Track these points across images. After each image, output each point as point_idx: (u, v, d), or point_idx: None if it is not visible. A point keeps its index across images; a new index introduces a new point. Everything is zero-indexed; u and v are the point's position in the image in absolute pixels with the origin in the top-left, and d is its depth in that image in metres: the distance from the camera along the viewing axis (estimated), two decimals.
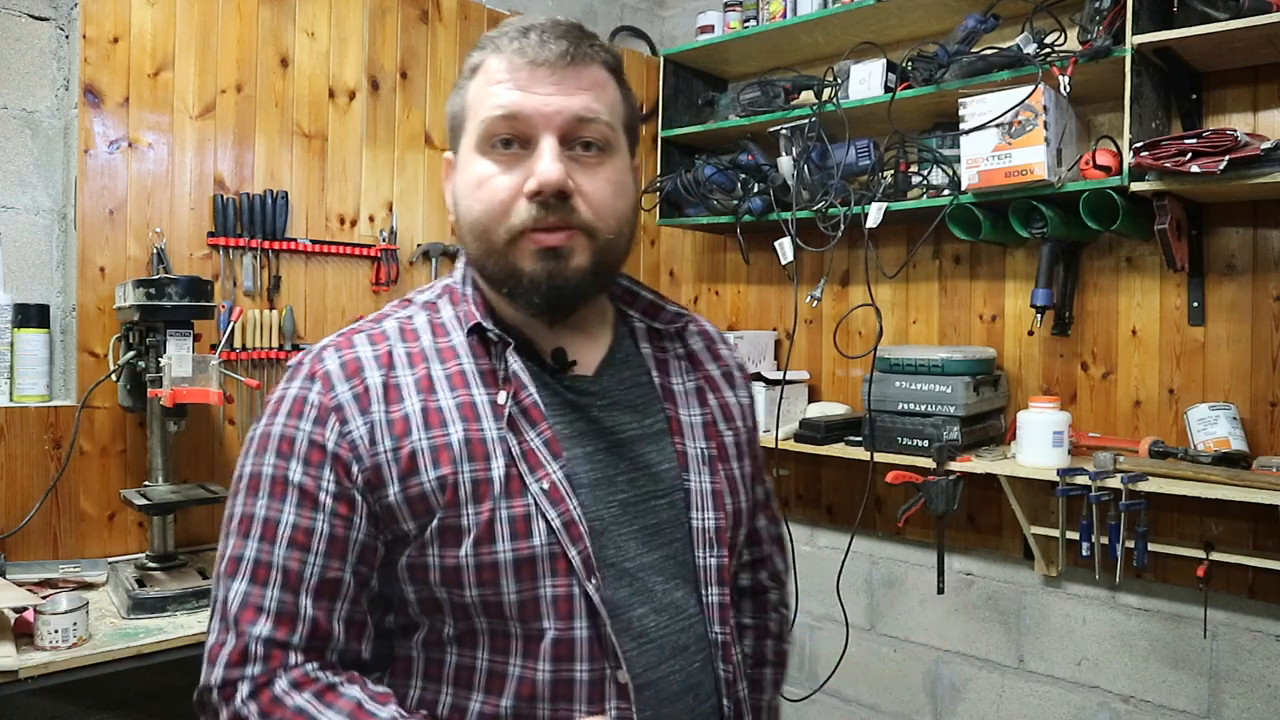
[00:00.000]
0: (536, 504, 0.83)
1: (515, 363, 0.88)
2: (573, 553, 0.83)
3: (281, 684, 0.80)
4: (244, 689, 0.79)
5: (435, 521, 0.82)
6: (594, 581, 0.83)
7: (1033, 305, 2.28)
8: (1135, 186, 2.00)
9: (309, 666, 0.81)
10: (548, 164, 0.82)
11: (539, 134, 0.84)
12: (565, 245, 0.84)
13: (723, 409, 1.02)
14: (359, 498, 0.83)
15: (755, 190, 2.73)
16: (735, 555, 1.00)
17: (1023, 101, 2.13)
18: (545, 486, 0.84)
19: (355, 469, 0.83)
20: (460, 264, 0.96)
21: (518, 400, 0.86)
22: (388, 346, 0.89)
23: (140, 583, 1.85)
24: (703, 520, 0.93)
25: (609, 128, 0.86)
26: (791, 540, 1.87)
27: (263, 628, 0.80)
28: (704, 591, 0.92)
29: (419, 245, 2.67)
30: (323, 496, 0.83)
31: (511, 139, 0.85)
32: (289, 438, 0.85)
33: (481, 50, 0.88)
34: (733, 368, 1.07)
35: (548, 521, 0.83)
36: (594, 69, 0.86)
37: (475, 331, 0.89)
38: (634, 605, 0.87)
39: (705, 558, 0.93)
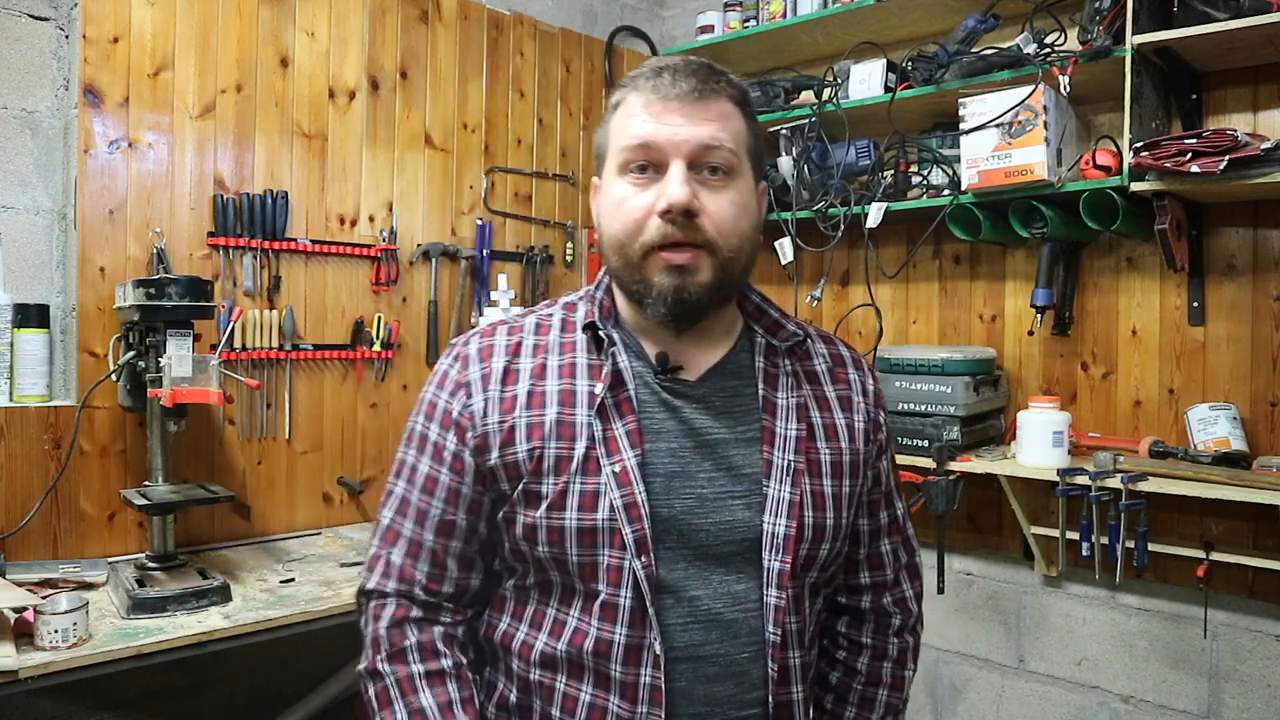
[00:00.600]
0: (606, 484, 0.96)
1: (621, 360, 1.01)
2: (627, 530, 0.95)
3: (410, 640, 1.00)
4: (386, 615, 1.01)
5: (522, 485, 0.98)
6: (644, 559, 0.94)
7: (1033, 305, 2.28)
8: (1135, 186, 2.00)
9: (436, 620, 1.02)
10: (675, 186, 0.94)
11: (669, 160, 0.95)
12: (690, 263, 0.95)
13: (826, 428, 1.06)
14: (469, 459, 1.01)
15: None
16: (817, 565, 1.03)
17: (1023, 101, 2.13)
18: (617, 470, 0.96)
19: (469, 435, 1.01)
20: (600, 271, 1.10)
21: (614, 394, 0.99)
22: (520, 338, 1.05)
23: (140, 583, 1.85)
24: (773, 525, 0.99)
25: (732, 154, 0.97)
26: None
27: (399, 551, 1.03)
28: (765, 591, 0.98)
29: (419, 245, 2.67)
30: (446, 454, 1.02)
31: (646, 165, 0.97)
32: (433, 404, 1.05)
33: (623, 89, 1.02)
34: (854, 392, 1.10)
35: (611, 501, 0.95)
36: (720, 102, 0.98)
37: (588, 329, 1.02)
38: (690, 587, 0.97)
39: (770, 560, 0.98)
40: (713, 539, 0.98)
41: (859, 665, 1.16)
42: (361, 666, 1.03)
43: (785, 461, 1.01)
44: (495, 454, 0.99)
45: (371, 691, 1.01)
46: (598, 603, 0.96)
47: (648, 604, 0.94)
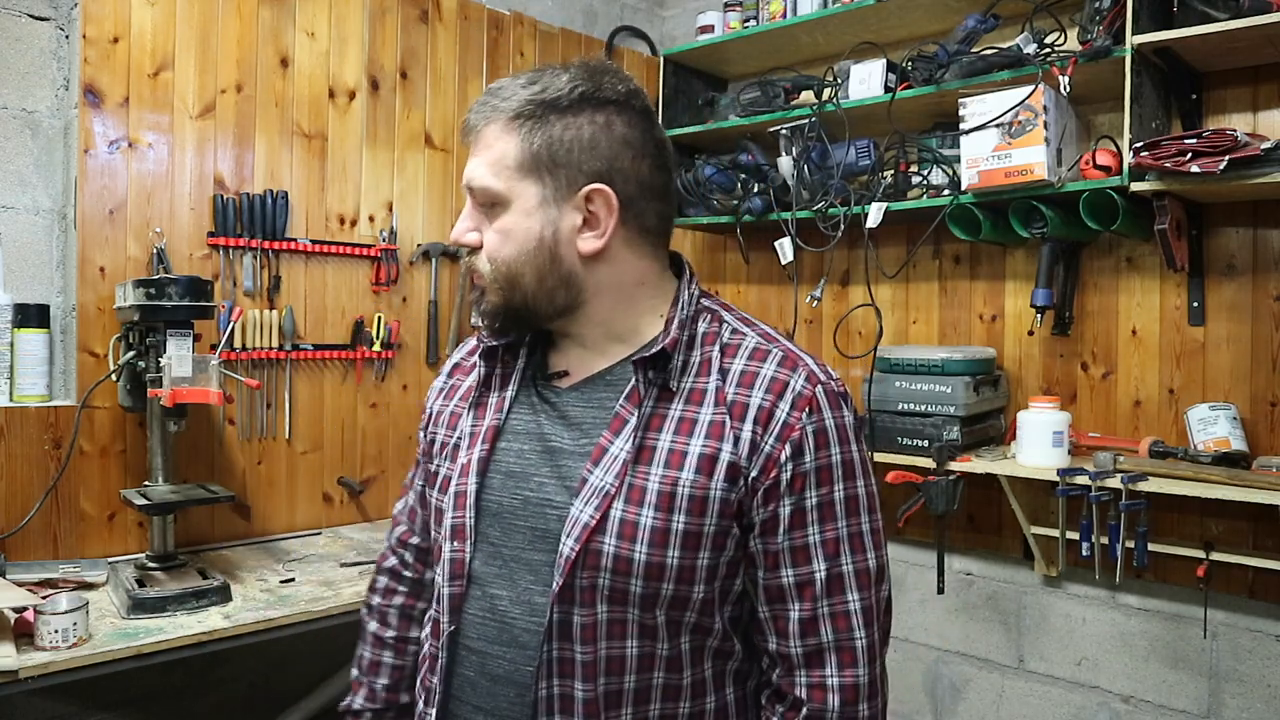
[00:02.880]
0: (456, 473, 1.05)
1: (519, 363, 1.08)
2: (448, 516, 1.04)
3: (383, 582, 1.24)
4: (382, 561, 1.26)
5: (431, 464, 1.12)
6: (455, 544, 1.02)
7: (1033, 305, 2.28)
8: (1135, 186, 2.00)
9: (407, 559, 1.23)
10: (458, 224, 1.02)
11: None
12: (481, 284, 1.02)
13: (670, 453, 0.94)
14: (420, 435, 1.18)
15: (755, 190, 2.72)
16: (642, 604, 0.92)
17: (1023, 101, 2.12)
18: (464, 461, 1.05)
19: (424, 415, 1.18)
20: None
21: (480, 392, 1.08)
22: (476, 345, 1.14)
23: (140, 583, 1.85)
24: (564, 544, 0.94)
25: (485, 191, 0.98)
26: None
27: (397, 505, 1.28)
28: (551, 606, 0.94)
29: (419, 245, 2.67)
30: (422, 436, 1.18)
31: None
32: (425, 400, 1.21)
33: None
34: (742, 420, 0.94)
35: (454, 488, 1.04)
36: (488, 131, 0.98)
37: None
38: (495, 584, 1.00)
39: (557, 578, 0.93)
40: (526, 543, 0.98)
41: None
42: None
43: (600, 483, 0.94)
44: (424, 433, 1.17)
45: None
46: (431, 578, 1.13)
47: (444, 586, 1.02)
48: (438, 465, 1.09)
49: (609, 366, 1.02)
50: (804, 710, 0.94)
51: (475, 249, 1.01)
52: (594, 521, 0.92)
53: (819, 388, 0.95)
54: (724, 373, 0.97)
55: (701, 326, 1.01)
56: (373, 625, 1.23)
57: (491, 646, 0.99)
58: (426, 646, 1.09)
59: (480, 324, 1.06)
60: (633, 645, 0.94)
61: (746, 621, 1.01)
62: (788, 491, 0.93)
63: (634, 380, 0.98)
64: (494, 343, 1.08)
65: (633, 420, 0.96)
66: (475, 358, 1.12)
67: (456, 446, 1.07)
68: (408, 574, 1.22)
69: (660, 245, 1.03)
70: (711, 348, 0.99)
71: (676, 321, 0.99)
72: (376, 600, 1.23)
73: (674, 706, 0.95)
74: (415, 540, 1.22)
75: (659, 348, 0.96)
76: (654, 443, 0.95)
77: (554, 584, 0.93)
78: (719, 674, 0.99)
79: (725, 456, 0.93)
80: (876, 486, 0.99)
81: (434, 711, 1.03)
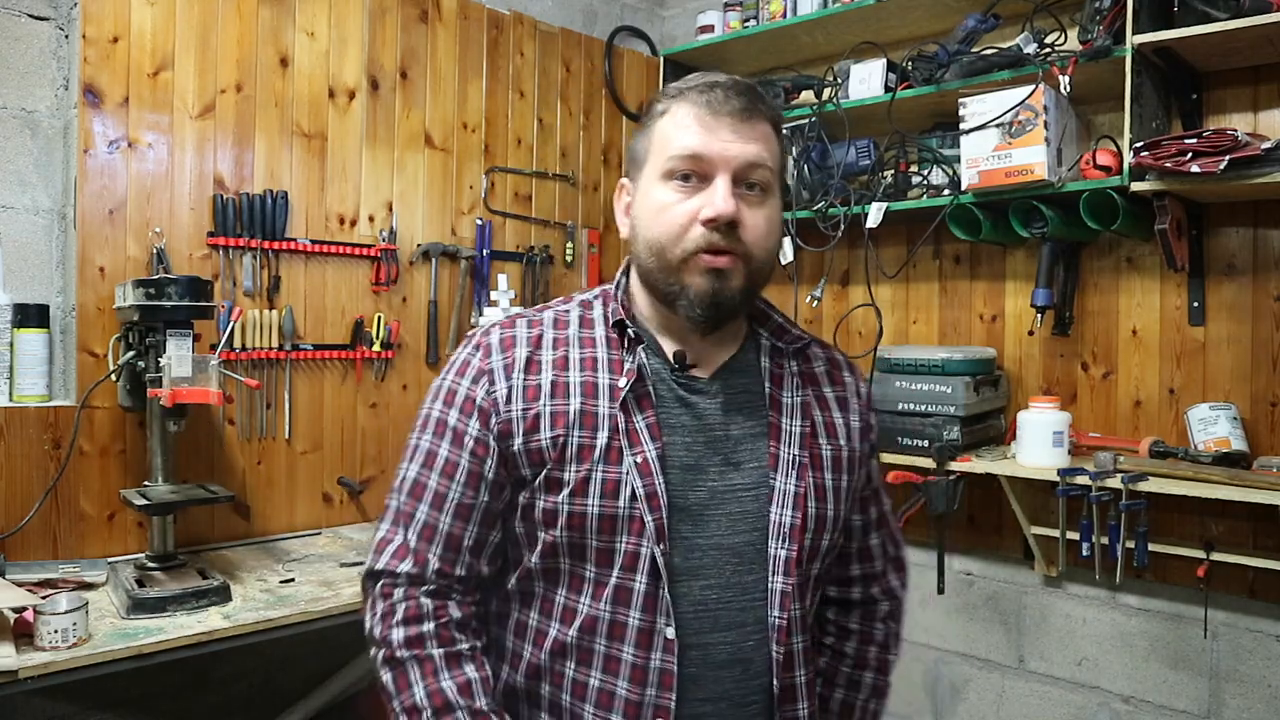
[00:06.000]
0: (629, 473, 1.00)
1: (643, 357, 1.06)
2: (648, 518, 0.99)
3: (427, 625, 1.01)
4: (397, 596, 1.02)
5: (545, 471, 1.01)
6: (662, 546, 0.99)
7: (1033, 305, 2.28)
8: (1135, 186, 2.00)
9: (448, 601, 1.03)
10: (723, 198, 0.99)
11: (717, 172, 1.00)
12: (728, 267, 1.00)
13: (827, 426, 1.11)
14: (493, 443, 1.04)
15: None
16: (819, 556, 1.08)
17: (1023, 101, 2.13)
18: (638, 460, 1.00)
19: (493, 420, 1.04)
20: (618, 273, 1.14)
21: (635, 388, 1.03)
22: (540, 330, 1.09)
23: (140, 583, 1.85)
24: (780, 516, 1.04)
25: (770, 173, 1.03)
26: None
27: (414, 533, 1.04)
28: (770, 579, 1.03)
29: (419, 245, 2.67)
30: (468, 439, 1.04)
31: (691, 174, 1.01)
32: (453, 390, 1.07)
33: (670, 99, 1.05)
34: (849, 394, 1.16)
35: (633, 489, 0.99)
36: (763, 124, 1.03)
37: (618, 327, 1.07)
38: (701, 576, 1.01)
39: (776, 549, 1.03)
40: (723, 530, 1.02)
41: (846, 649, 1.21)
42: (376, 653, 1.03)
43: (791, 456, 1.06)
44: (519, 440, 1.02)
45: (389, 676, 1.01)
46: (609, 588, 0.99)
47: (663, 589, 0.98)
48: (571, 471, 1.00)
49: (733, 356, 1.10)
50: (883, 606, 1.22)
51: (735, 226, 1.00)
52: (802, 489, 1.05)
53: (855, 364, 1.23)
54: (820, 358, 1.17)
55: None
56: (448, 679, 1.00)
57: (709, 636, 1.01)
58: (588, 673, 1.00)
59: (695, 311, 1.01)
60: (810, 598, 1.09)
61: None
62: (874, 448, 1.20)
63: (767, 366, 1.11)
64: (635, 328, 1.07)
65: (787, 400, 1.09)
66: (575, 349, 1.06)
67: (609, 446, 1.01)
68: (457, 605, 1.05)
69: None
70: (801, 335, 1.15)
71: (780, 315, 1.14)
72: (437, 650, 1.01)
73: (810, 641, 1.10)
74: (459, 571, 1.05)
75: (804, 340, 1.14)
76: (813, 417, 1.10)
77: (781, 555, 1.02)
78: (814, 626, 1.18)
79: (856, 424, 1.15)
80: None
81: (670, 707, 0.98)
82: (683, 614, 1.00)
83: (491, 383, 1.05)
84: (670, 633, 0.98)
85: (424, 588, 1.02)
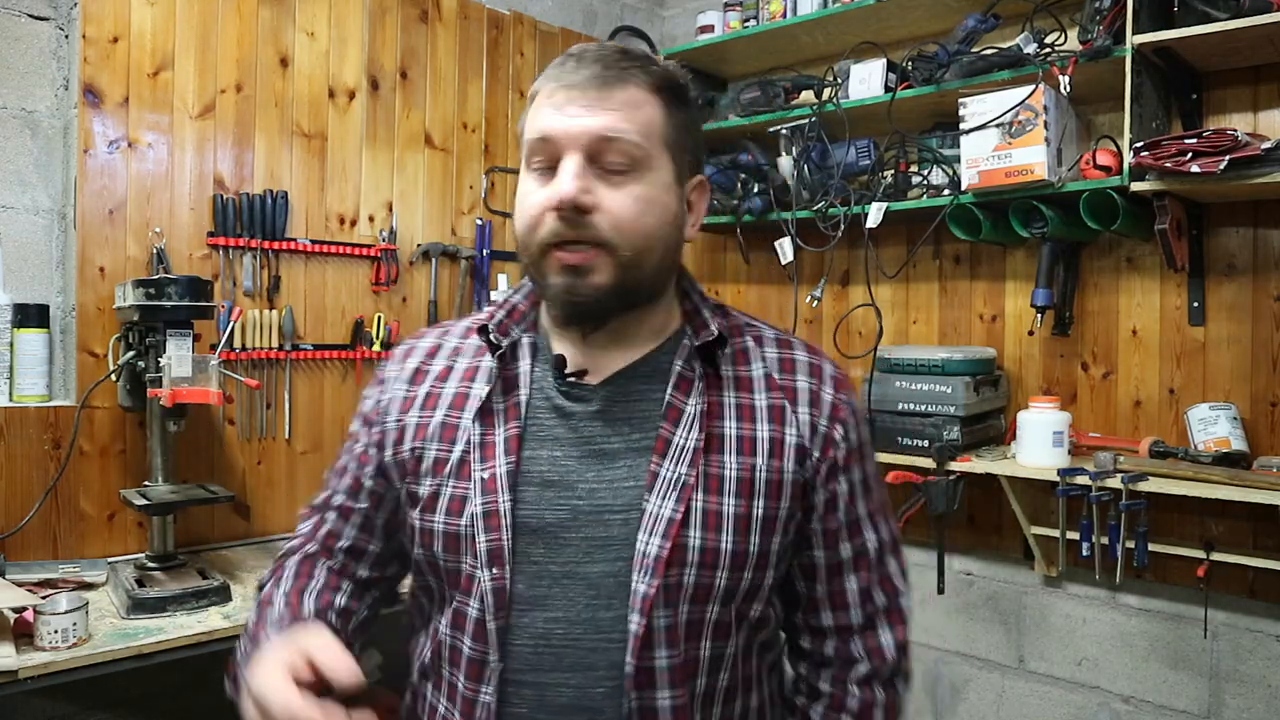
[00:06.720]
0: (474, 489, 0.92)
1: (521, 365, 0.97)
2: (481, 539, 0.90)
3: (292, 557, 1.03)
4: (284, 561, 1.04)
5: (405, 485, 0.98)
6: (494, 570, 0.89)
7: (1033, 305, 2.28)
8: (1135, 186, 2.00)
9: (316, 558, 1.03)
10: (564, 180, 0.87)
11: (564, 153, 0.88)
12: (585, 263, 0.88)
13: (740, 440, 0.93)
14: (373, 453, 1.02)
15: (755, 190, 2.72)
16: (712, 597, 0.90)
17: (1023, 101, 2.12)
18: (485, 476, 0.92)
19: (374, 429, 1.02)
20: None
21: (503, 398, 0.95)
22: (442, 340, 1.05)
23: (140, 583, 1.85)
24: (646, 544, 0.88)
25: (636, 146, 0.89)
26: None
27: (309, 524, 1.06)
28: (630, 617, 0.87)
29: (419, 245, 2.67)
30: (357, 446, 1.04)
31: (543, 159, 0.90)
32: (365, 397, 1.07)
33: (538, 79, 0.95)
34: (796, 402, 0.97)
35: (473, 508, 0.91)
36: (628, 89, 0.89)
37: (481, 333, 0.98)
38: (547, 607, 0.89)
39: (637, 583, 0.87)
40: (582, 555, 0.89)
41: (813, 715, 1.01)
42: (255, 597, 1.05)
43: (674, 475, 0.90)
44: (389, 451, 0.99)
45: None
46: (448, 610, 0.93)
47: (488, 618, 0.89)
48: (425, 486, 0.95)
49: (640, 359, 0.96)
50: (861, 668, 0.99)
51: (585, 212, 0.87)
52: (679, 515, 0.88)
53: (840, 372, 1.03)
54: (765, 359, 0.99)
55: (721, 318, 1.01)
56: (285, 584, 1.00)
57: (548, 676, 0.89)
58: (438, 698, 0.95)
59: (555, 310, 0.94)
60: (706, 646, 0.91)
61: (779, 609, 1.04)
62: (843, 469, 0.98)
63: (677, 369, 0.95)
64: (502, 340, 0.96)
65: (689, 409, 0.93)
66: (463, 359, 1.01)
67: (462, 461, 0.93)
68: (332, 565, 1.04)
69: None
70: (743, 338, 1.01)
71: (709, 311, 0.99)
72: (289, 572, 1.02)
73: (737, 706, 0.95)
74: (343, 543, 1.04)
75: (714, 334, 0.95)
76: (719, 430, 0.93)
77: (642, 588, 0.87)
78: (763, 667, 1.01)
79: (791, 439, 0.95)
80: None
81: None
82: (519, 647, 0.89)
83: (382, 392, 1.03)
84: (495, 665, 0.88)
85: (306, 547, 1.05)
